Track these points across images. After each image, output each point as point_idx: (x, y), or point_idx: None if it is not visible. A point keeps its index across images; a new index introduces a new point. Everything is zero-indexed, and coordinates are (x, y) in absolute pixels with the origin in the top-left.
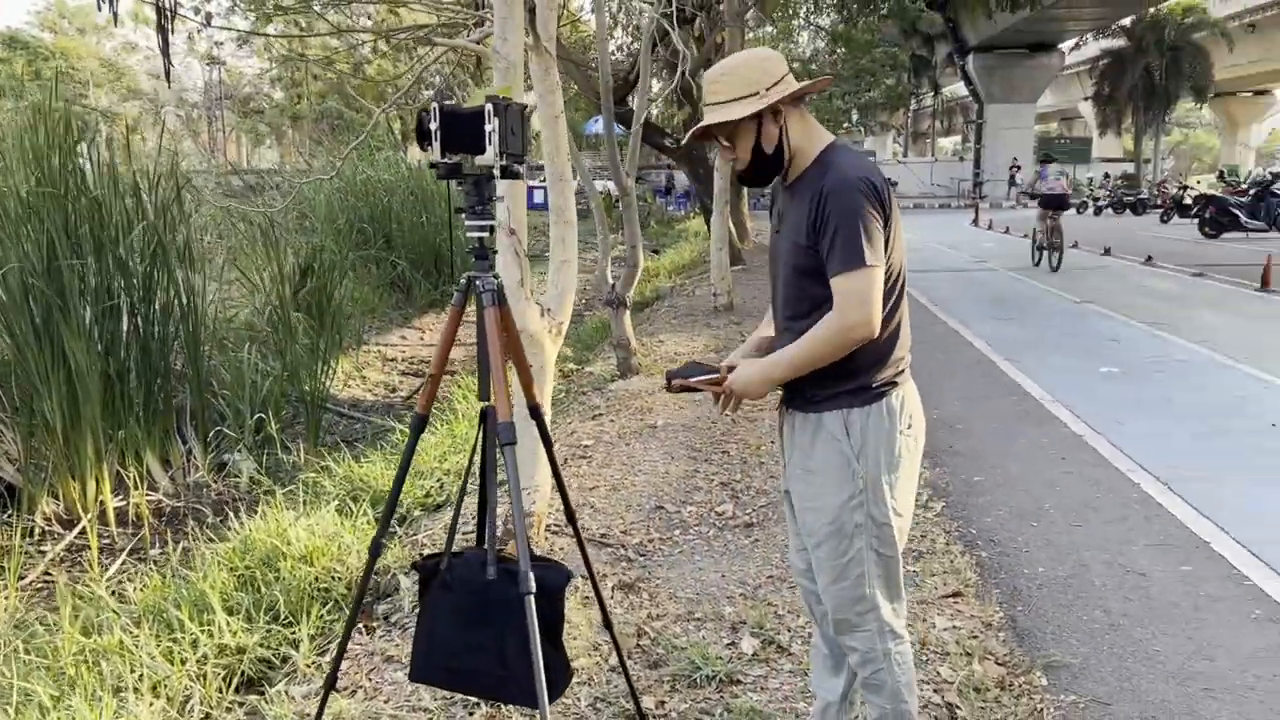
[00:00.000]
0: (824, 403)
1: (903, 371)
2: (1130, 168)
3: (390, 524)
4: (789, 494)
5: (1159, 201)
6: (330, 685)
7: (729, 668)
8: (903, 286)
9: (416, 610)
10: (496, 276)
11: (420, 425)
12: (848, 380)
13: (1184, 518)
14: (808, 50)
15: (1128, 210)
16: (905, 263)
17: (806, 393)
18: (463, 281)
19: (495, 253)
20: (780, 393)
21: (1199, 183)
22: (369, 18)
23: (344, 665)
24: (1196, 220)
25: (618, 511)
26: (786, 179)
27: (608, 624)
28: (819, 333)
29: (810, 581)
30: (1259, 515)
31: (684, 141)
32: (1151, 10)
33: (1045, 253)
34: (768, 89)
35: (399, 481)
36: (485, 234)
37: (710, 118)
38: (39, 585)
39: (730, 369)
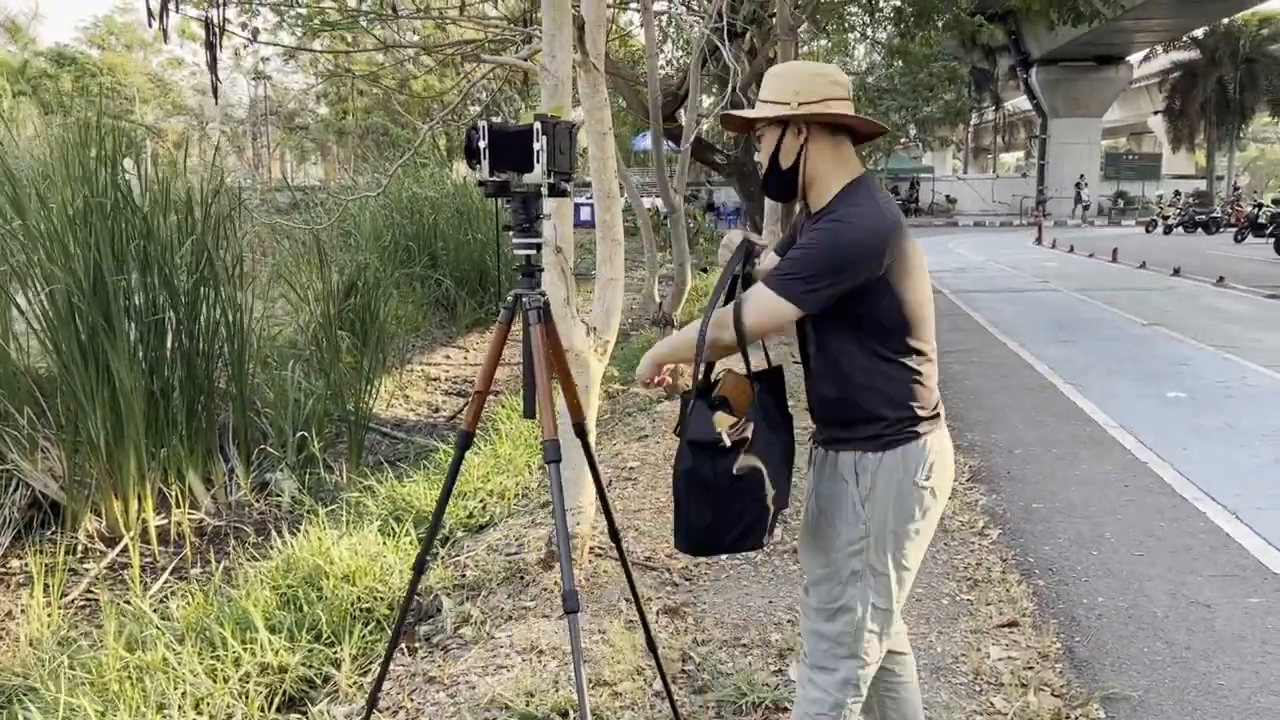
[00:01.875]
0: (842, 442)
1: (929, 419)
2: (1202, 185)
3: (434, 544)
4: None
5: (1232, 220)
6: (372, 705)
7: (775, 694)
8: (927, 327)
9: (458, 630)
10: (543, 294)
11: (465, 443)
12: (868, 423)
13: (1252, 548)
14: (864, 64)
15: (1199, 229)
16: (928, 302)
17: (830, 431)
18: (510, 299)
19: (542, 270)
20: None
21: (1275, 201)
22: (415, 33)
23: (386, 686)
24: (1272, 240)
25: (663, 535)
26: (810, 210)
27: (652, 647)
28: (707, 319)
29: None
30: None
31: (714, 121)
32: (1225, 21)
33: None
34: (802, 103)
35: (443, 500)
36: (532, 251)
37: (747, 111)
38: (82, 603)
39: None
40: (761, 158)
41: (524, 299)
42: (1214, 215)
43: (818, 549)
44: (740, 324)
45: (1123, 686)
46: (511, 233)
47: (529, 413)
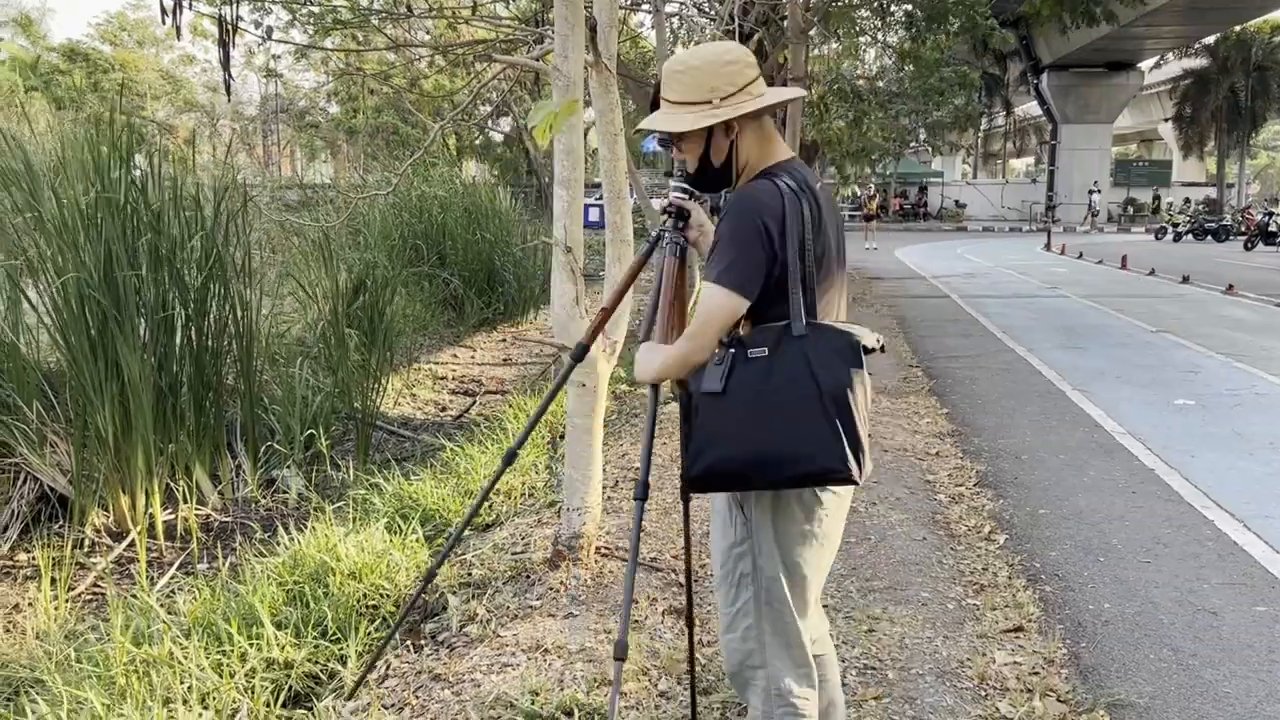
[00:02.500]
0: None
1: None
2: (1212, 192)
3: (453, 550)
4: None
5: (1243, 228)
6: (354, 690)
7: None
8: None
9: (463, 628)
10: (684, 237)
11: (581, 354)
12: None
13: (1259, 556)
14: (875, 68)
15: (1209, 236)
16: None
17: None
18: (654, 235)
19: (690, 215)
20: None
21: None
22: (427, 33)
23: (391, 683)
24: None
25: (669, 536)
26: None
27: (691, 664)
28: (669, 352)
29: None
30: None
31: (635, 133)
32: (1237, 28)
33: None
34: (723, 99)
35: (485, 496)
36: (685, 198)
37: (658, 122)
38: (89, 596)
39: None
40: (688, 159)
41: (666, 235)
42: (1224, 223)
43: (713, 553)
44: (705, 335)
45: (1128, 693)
46: (671, 178)
47: (645, 336)
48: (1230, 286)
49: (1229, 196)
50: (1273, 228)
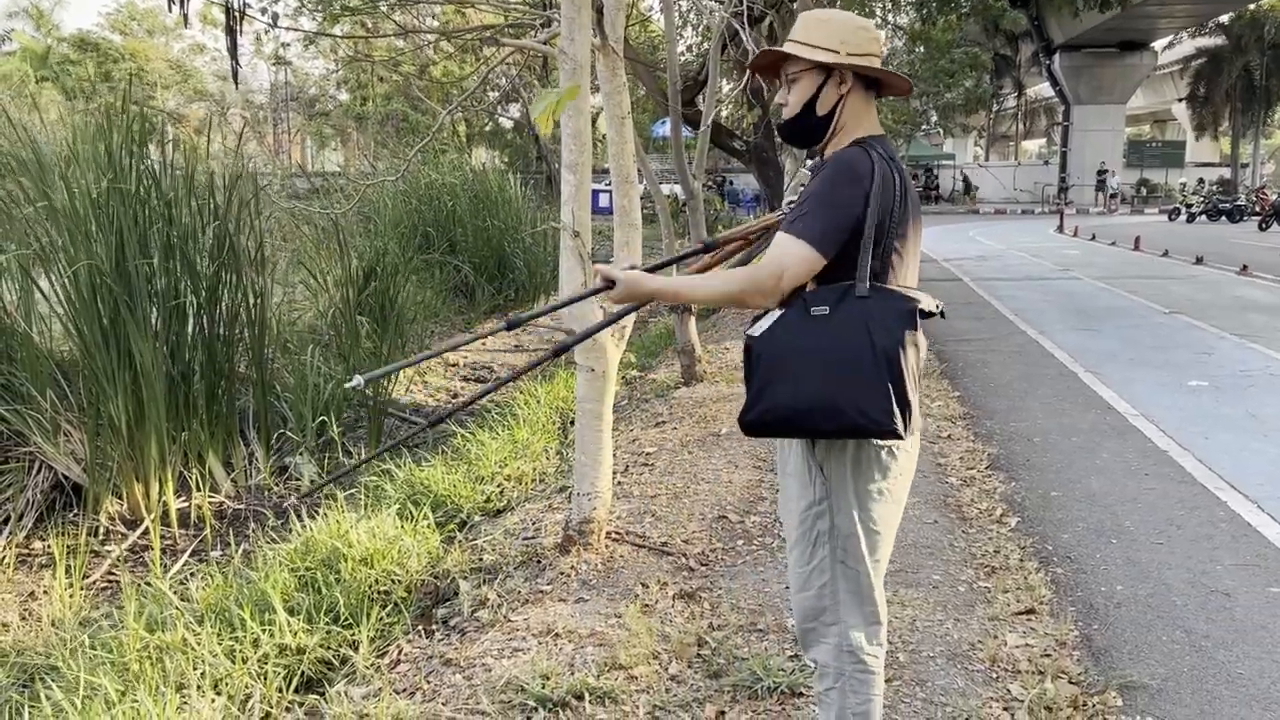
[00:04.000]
0: None
1: None
2: (1227, 173)
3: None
4: None
5: (1257, 208)
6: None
7: (791, 679)
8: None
9: (474, 613)
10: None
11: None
12: None
13: (1273, 536)
14: (886, 49)
15: (1223, 217)
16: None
17: None
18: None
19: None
20: None
21: None
22: (435, 19)
23: (403, 668)
24: None
25: (679, 520)
26: (823, 155)
27: None
28: (731, 275)
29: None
30: None
31: (749, 63)
32: (1251, 7)
33: None
34: (850, 54)
35: None
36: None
37: (788, 48)
38: (103, 584)
39: (610, 281)
40: (792, 100)
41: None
42: (1238, 204)
43: (786, 514)
44: (778, 283)
45: (1141, 675)
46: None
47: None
48: (1244, 267)
49: (1243, 176)
50: None
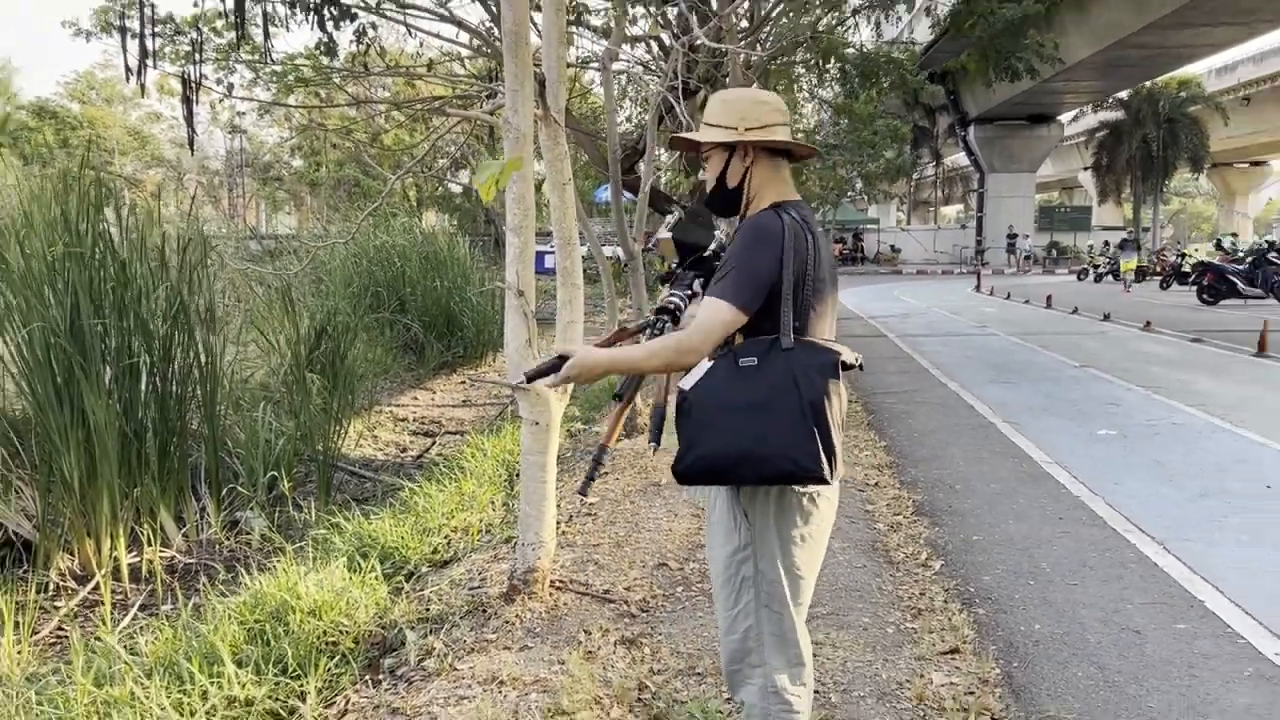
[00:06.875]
0: None
1: None
2: (1128, 235)
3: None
4: None
5: (1158, 269)
6: None
7: None
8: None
9: (421, 662)
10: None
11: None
12: None
13: (1179, 577)
14: (812, 121)
15: None
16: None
17: None
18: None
19: (680, 317)
20: None
21: (1197, 250)
22: (386, 89)
23: (351, 718)
24: (1195, 287)
25: (621, 568)
26: (742, 220)
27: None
28: (663, 342)
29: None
30: (1252, 574)
31: (667, 144)
32: (1147, 84)
33: None
34: (748, 129)
35: None
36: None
37: (693, 134)
38: (52, 640)
39: (563, 357)
40: (708, 177)
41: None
42: (1141, 265)
43: (712, 560)
44: (703, 342)
45: (1059, 710)
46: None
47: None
48: (1148, 323)
49: (1144, 239)
50: (1185, 268)
